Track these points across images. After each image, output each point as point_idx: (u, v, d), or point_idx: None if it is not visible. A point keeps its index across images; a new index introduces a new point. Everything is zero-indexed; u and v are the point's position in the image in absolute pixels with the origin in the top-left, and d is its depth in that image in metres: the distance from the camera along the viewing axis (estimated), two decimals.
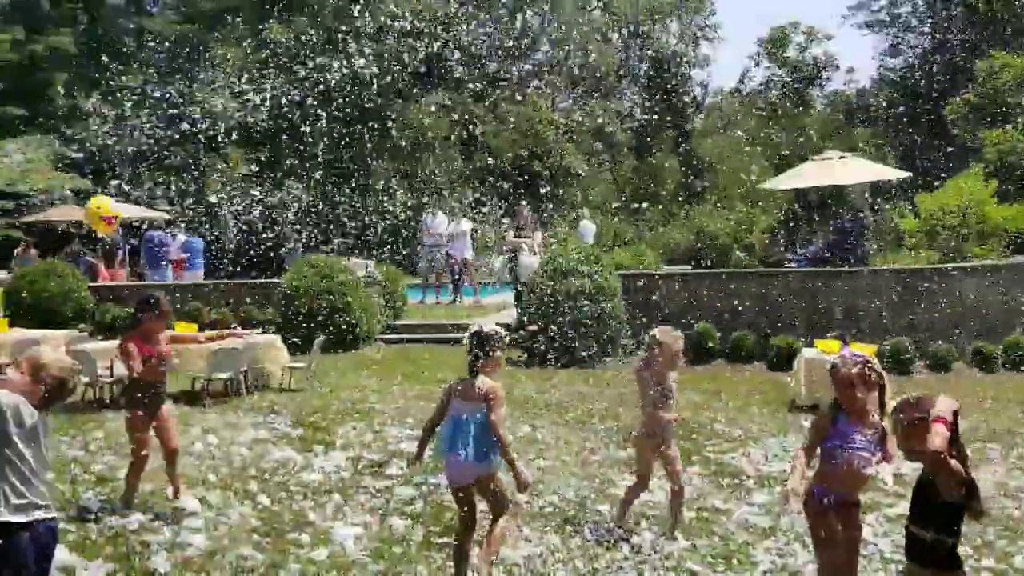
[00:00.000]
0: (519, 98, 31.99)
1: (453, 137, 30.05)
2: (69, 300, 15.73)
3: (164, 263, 18.92)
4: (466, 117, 30.82)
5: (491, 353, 5.21)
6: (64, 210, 24.41)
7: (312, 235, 25.14)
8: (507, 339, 5.39)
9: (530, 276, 14.89)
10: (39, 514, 3.94)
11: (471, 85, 31.52)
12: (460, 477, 5.21)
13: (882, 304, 14.42)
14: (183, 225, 20.50)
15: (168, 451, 6.69)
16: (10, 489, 3.86)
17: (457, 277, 19.38)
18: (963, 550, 6.10)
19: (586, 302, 13.55)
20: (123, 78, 28.57)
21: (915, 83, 35.21)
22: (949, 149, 27.24)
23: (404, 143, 28.73)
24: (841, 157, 18.72)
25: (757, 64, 39.75)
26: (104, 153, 27.78)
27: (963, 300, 14.42)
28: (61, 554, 5.52)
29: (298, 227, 23.57)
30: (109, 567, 5.43)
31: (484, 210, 26.92)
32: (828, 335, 12.26)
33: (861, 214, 16.91)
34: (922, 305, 14.36)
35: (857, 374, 4.67)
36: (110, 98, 28.41)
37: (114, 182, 25.38)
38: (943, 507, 3.83)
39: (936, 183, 21.12)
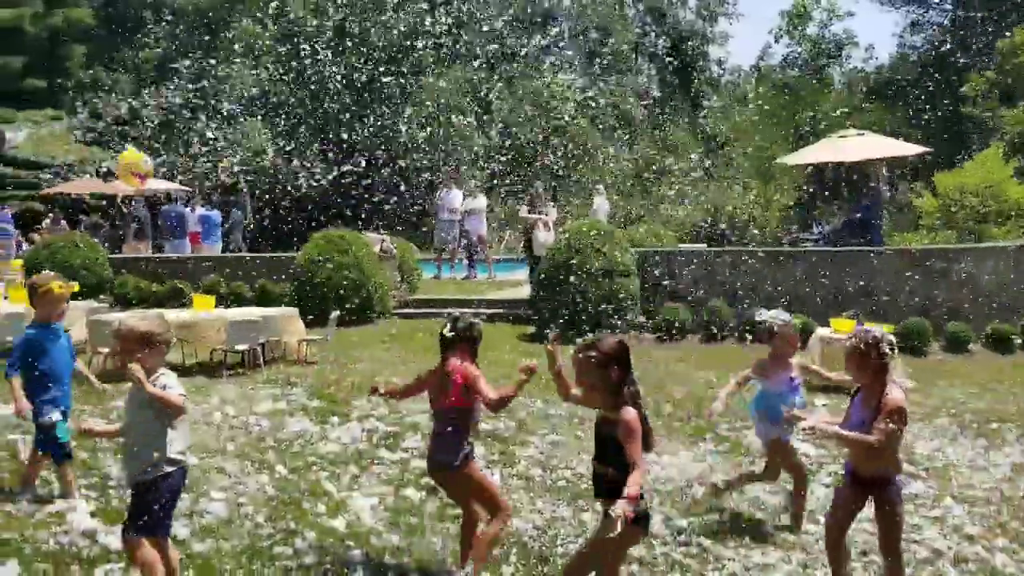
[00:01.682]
0: (534, 73, 31.82)
1: (469, 112, 29.95)
2: (89, 271, 15.86)
3: (182, 236, 19.08)
4: (480, 93, 30.70)
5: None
6: (84, 182, 24.56)
7: (264, 211, 24.95)
8: (775, 327, 6.05)
9: (544, 252, 14.89)
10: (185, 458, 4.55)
11: (486, 59, 31.37)
12: None
13: (899, 284, 14.36)
14: (202, 198, 20.58)
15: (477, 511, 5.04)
16: (176, 446, 4.40)
17: (472, 253, 19.41)
18: (975, 530, 6.16)
19: (600, 279, 13.56)
20: (142, 51, 28.64)
21: (935, 61, 34.82)
22: (969, 127, 26.98)
23: (421, 115, 28.67)
24: (859, 134, 18.59)
25: (777, 40, 39.41)
26: (123, 126, 27.89)
27: (980, 281, 14.34)
28: (83, 519, 5.66)
29: (239, 202, 23.06)
30: None
31: (505, 182, 26.87)
32: (843, 314, 12.27)
33: (879, 191, 16.79)
34: (939, 286, 14.29)
35: (849, 347, 4.71)
36: (129, 70, 28.48)
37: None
38: (617, 444, 3.94)
39: (955, 163, 20.97)
